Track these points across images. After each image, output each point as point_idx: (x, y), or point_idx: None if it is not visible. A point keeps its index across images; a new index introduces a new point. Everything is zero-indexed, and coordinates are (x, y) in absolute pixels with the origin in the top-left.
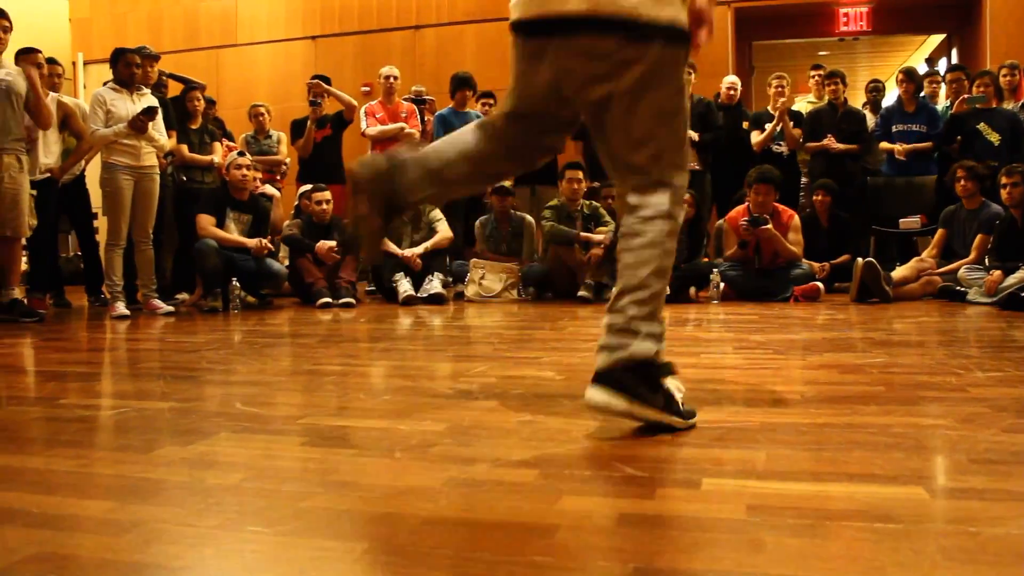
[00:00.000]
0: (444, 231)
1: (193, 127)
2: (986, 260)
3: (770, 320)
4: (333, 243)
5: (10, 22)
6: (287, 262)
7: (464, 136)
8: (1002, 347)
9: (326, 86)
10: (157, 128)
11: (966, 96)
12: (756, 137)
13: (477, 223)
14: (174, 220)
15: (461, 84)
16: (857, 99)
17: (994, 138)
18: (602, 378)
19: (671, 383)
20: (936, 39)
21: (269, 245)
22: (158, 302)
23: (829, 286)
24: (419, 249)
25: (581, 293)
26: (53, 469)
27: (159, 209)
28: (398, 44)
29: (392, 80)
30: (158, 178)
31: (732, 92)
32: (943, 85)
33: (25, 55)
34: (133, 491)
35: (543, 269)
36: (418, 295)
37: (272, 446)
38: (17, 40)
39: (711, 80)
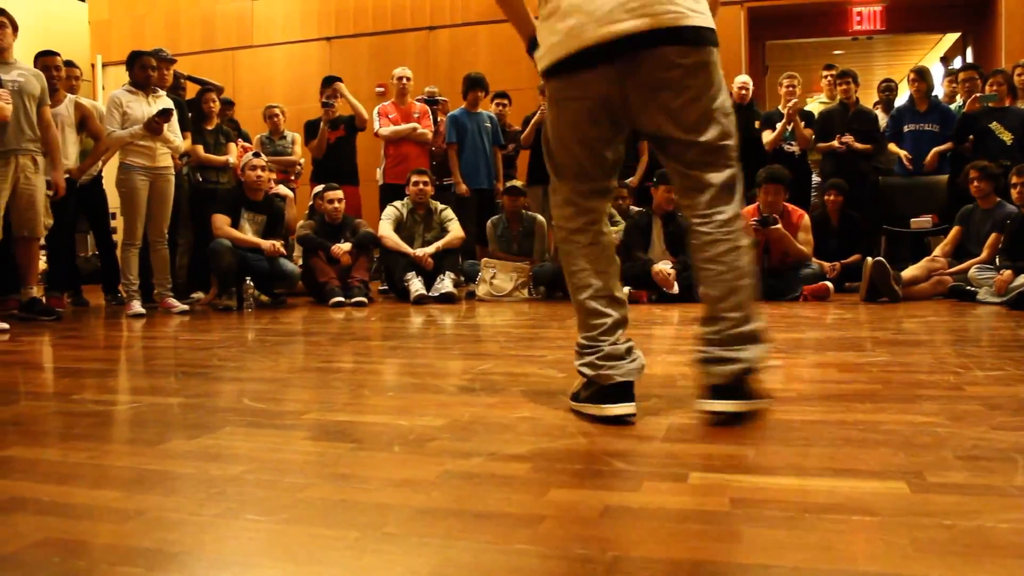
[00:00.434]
0: (456, 231)
1: (208, 128)
2: (997, 260)
3: (777, 319)
4: (347, 246)
5: (11, 21)
6: (301, 261)
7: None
8: (1006, 347)
9: (343, 90)
10: (172, 129)
11: (978, 95)
12: (767, 137)
13: (489, 223)
14: (190, 220)
15: (473, 85)
16: (872, 99)
17: (1007, 137)
18: (724, 392)
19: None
20: (951, 38)
21: (282, 249)
22: (173, 301)
23: (840, 286)
24: (431, 249)
25: None
26: (65, 460)
27: (174, 209)
28: (412, 45)
29: (405, 81)
30: (173, 179)
31: (744, 92)
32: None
33: (43, 57)
34: (140, 481)
35: (553, 268)
36: (429, 294)
37: (276, 440)
38: (39, 43)
39: (725, 80)
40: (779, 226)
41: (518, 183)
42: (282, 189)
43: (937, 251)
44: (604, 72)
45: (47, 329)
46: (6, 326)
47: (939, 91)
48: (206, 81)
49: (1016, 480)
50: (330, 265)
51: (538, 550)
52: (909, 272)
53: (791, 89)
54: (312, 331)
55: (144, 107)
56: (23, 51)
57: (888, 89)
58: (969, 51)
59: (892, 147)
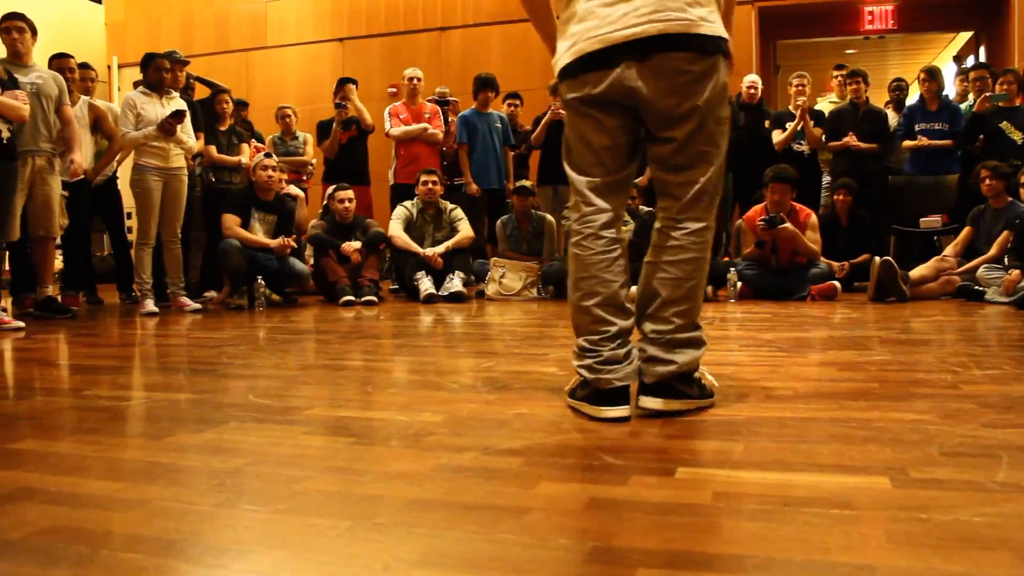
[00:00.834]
0: (465, 230)
1: (222, 129)
2: (1005, 259)
3: (783, 319)
4: (358, 244)
5: (30, 25)
6: (312, 261)
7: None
8: (1008, 346)
9: (352, 94)
10: (185, 130)
11: (987, 94)
12: (777, 136)
13: (499, 223)
14: (203, 220)
15: (483, 85)
16: (885, 98)
17: (1017, 136)
18: (654, 389)
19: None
20: (964, 36)
21: (292, 243)
22: (186, 299)
23: (849, 285)
24: (440, 248)
25: None
26: (74, 453)
27: (188, 209)
28: (424, 45)
29: (416, 81)
30: (186, 179)
31: (753, 91)
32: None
33: (58, 59)
34: (143, 473)
35: (562, 268)
36: (439, 293)
37: (277, 434)
38: (56, 44)
39: (734, 79)
40: (788, 225)
41: (527, 183)
42: (293, 189)
43: (948, 251)
44: (617, 73)
45: (62, 327)
46: (22, 324)
47: (951, 90)
48: (213, 83)
49: (998, 476)
50: (341, 265)
51: (521, 540)
52: (917, 272)
53: (801, 88)
54: (321, 329)
55: (158, 108)
56: (40, 53)
57: (899, 88)
58: (982, 50)
59: (906, 143)
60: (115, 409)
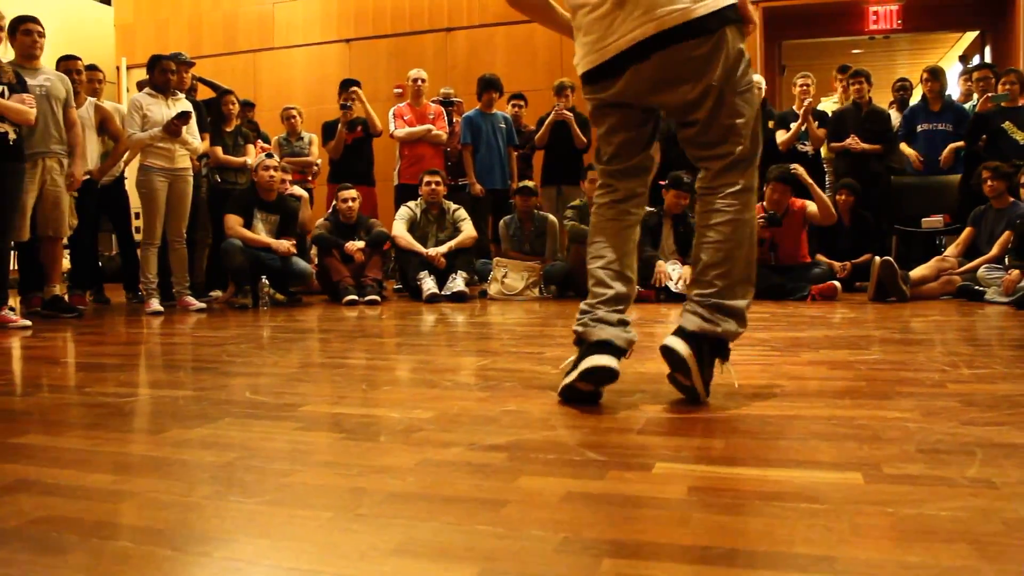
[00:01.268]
0: (468, 230)
1: (228, 130)
2: (1006, 259)
3: (780, 318)
4: (361, 243)
5: (41, 27)
6: (316, 261)
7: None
8: (1001, 346)
9: (361, 96)
10: (191, 131)
11: (990, 94)
12: (781, 136)
13: (501, 223)
14: (208, 220)
15: (487, 86)
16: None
17: (1019, 137)
18: (689, 337)
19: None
20: (970, 36)
21: (292, 249)
22: (191, 299)
23: (850, 286)
24: (443, 248)
25: None
26: (73, 447)
27: (193, 209)
28: (430, 46)
29: (420, 82)
30: (191, 180)
31: (757, 91)
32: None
33: (65, 61)
34: (136, 466)
35: (564, 267)
36: (441, 293)
37: (269, 430)
38: (65, 46)
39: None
40: (806, 201)
41: (530, 183)
42: (297, 189)
43: (949, 251)
44: (626, 79)
45: (69, 326)
46: (28, 323)
47: (956, 90)
48: (217, 84)
49: (969, 472)
50: (344, 264)
51: (495, 531)
52: (918, 272)
53: (805, 88)
54: (323, 328)
55: (163, 110)
56: (49, 55)
57: (903, 88)
58: (988, 50)
59: (904, 147)
60: (116, 405)
